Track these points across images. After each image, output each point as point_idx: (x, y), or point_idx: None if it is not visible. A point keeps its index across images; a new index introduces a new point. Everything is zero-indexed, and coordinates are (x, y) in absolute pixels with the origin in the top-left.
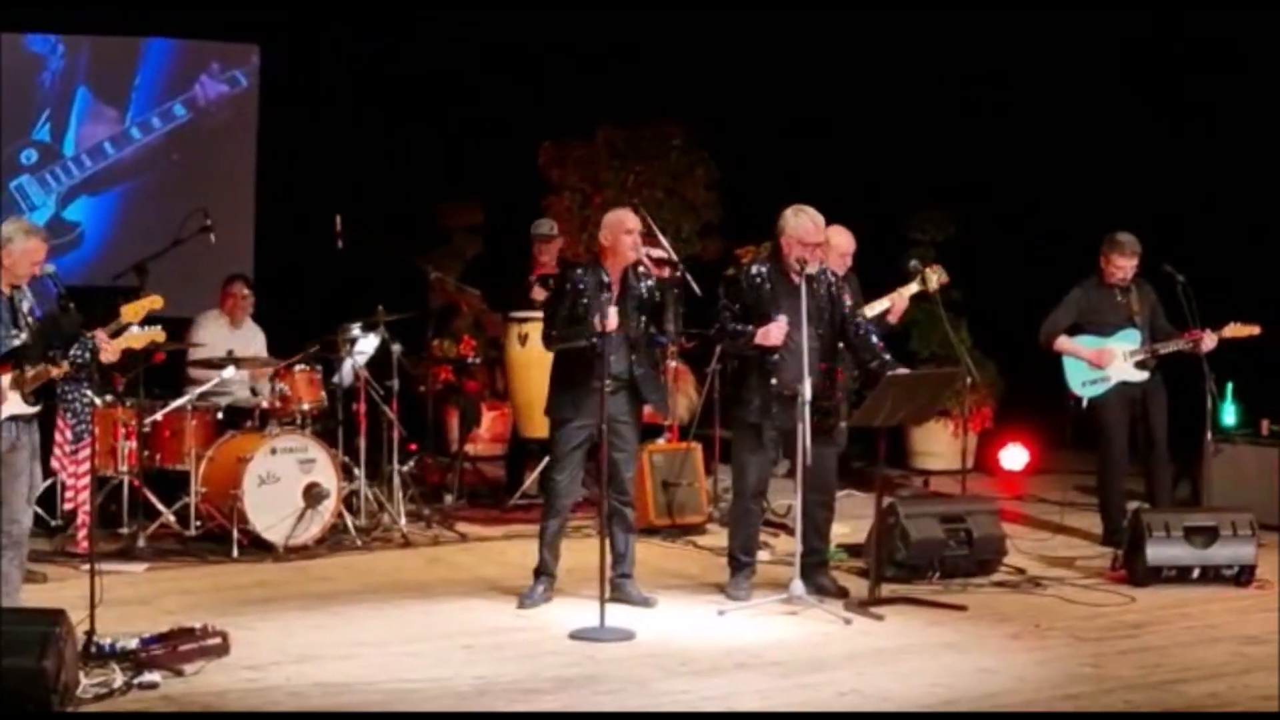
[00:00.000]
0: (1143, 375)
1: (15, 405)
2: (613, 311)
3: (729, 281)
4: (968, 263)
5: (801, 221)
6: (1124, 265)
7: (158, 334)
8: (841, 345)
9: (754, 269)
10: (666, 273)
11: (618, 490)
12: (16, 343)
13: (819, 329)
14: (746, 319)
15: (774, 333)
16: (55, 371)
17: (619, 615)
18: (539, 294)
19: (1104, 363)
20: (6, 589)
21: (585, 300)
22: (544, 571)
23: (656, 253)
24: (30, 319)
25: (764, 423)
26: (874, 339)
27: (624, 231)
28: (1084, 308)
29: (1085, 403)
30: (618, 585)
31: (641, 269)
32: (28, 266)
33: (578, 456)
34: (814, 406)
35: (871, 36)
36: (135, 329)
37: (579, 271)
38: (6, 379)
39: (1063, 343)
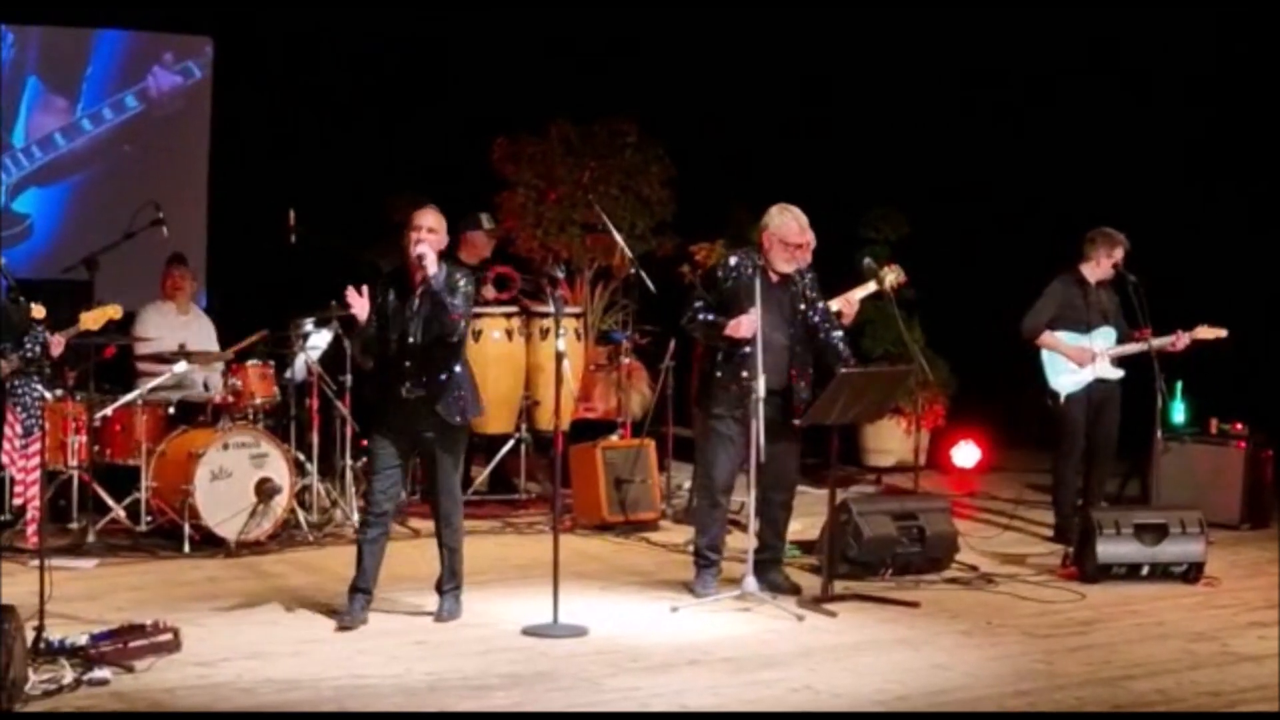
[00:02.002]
0: (1118, 374)
1: None
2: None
3: (707, 273)
4: (920, 262)
5: (785, 220)
6: (1119, 260)
7: (114, 310)
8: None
9: (733, 261)
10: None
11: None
12: None
13: (791, 327)
14: (721, 311)
15: (745, 325)
16: (4, 366)
17: (572, 611)
18: (489, 293)
19: (1085, 360)
20: None
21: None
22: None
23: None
24: None
25: (731, 417)
26: (838, 339)
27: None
28: (1062, 303)
29: (1062, 398)
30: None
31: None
32: None
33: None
34: (779, 402)
35: (825, 35)
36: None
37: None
38: None
39: (1046, 337)
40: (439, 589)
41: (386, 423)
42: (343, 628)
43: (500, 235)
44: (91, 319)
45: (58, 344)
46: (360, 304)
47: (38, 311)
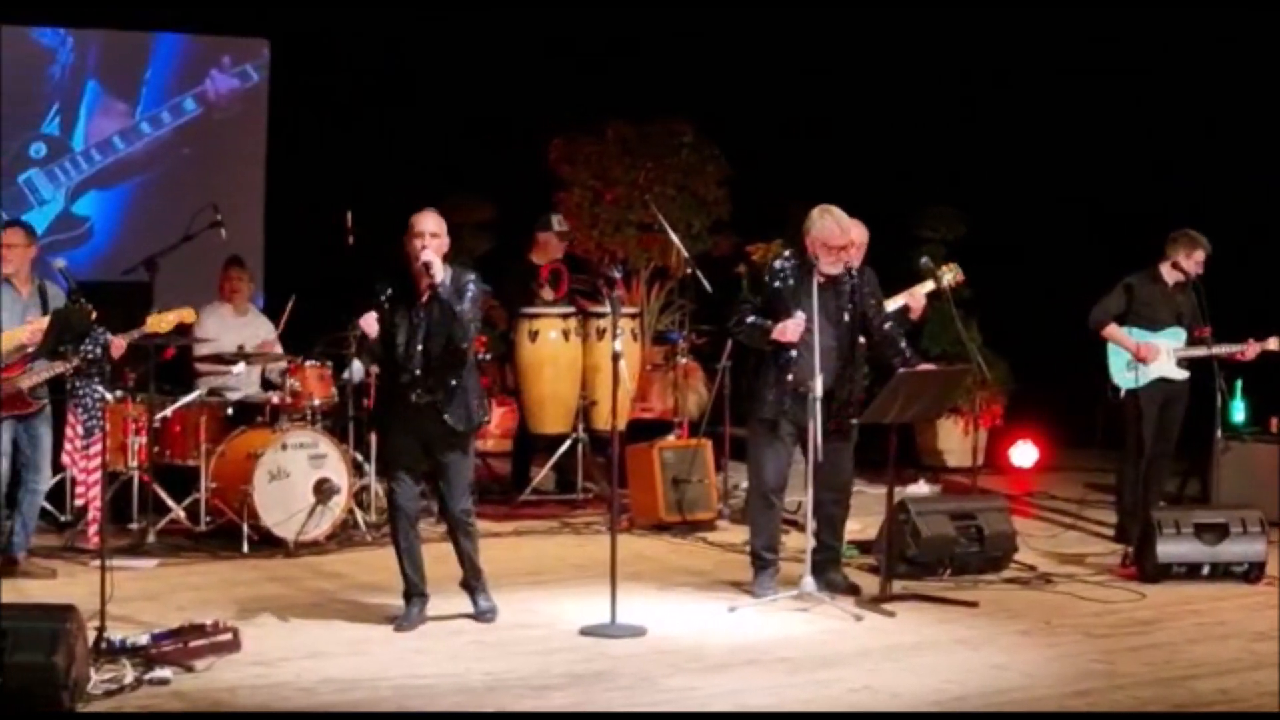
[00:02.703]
0: (1183, 375)
1: None
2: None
3: (753, 276)
4: (978, 261)
5: (826, 224)
6: (1201, 262)
7: (187, 313)
8: (863, 341)
9: (778, 264)
10: None
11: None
12: None
13: (838, 328)
14: (768, 314)
15: (791, 329)
16: (63, 366)
17: (629, 611)
18: (548, 294)
19: (1149, 357)
20: None
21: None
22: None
23: None
24: None
25: (780, 419)
26: (898, 337)
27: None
28: (1136, 300)
29: (1122, 393)
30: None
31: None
32: None
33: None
34: (832, 403)
35: (881, 33)
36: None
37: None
38: None
39: (1112, 330)
40: (469, 589)
41: (397, 428)
42: (400, 630)
43: (571, 238)
44: (161, 322)
45: (119, 345)
46: (371, 323)
47: (119, 342)
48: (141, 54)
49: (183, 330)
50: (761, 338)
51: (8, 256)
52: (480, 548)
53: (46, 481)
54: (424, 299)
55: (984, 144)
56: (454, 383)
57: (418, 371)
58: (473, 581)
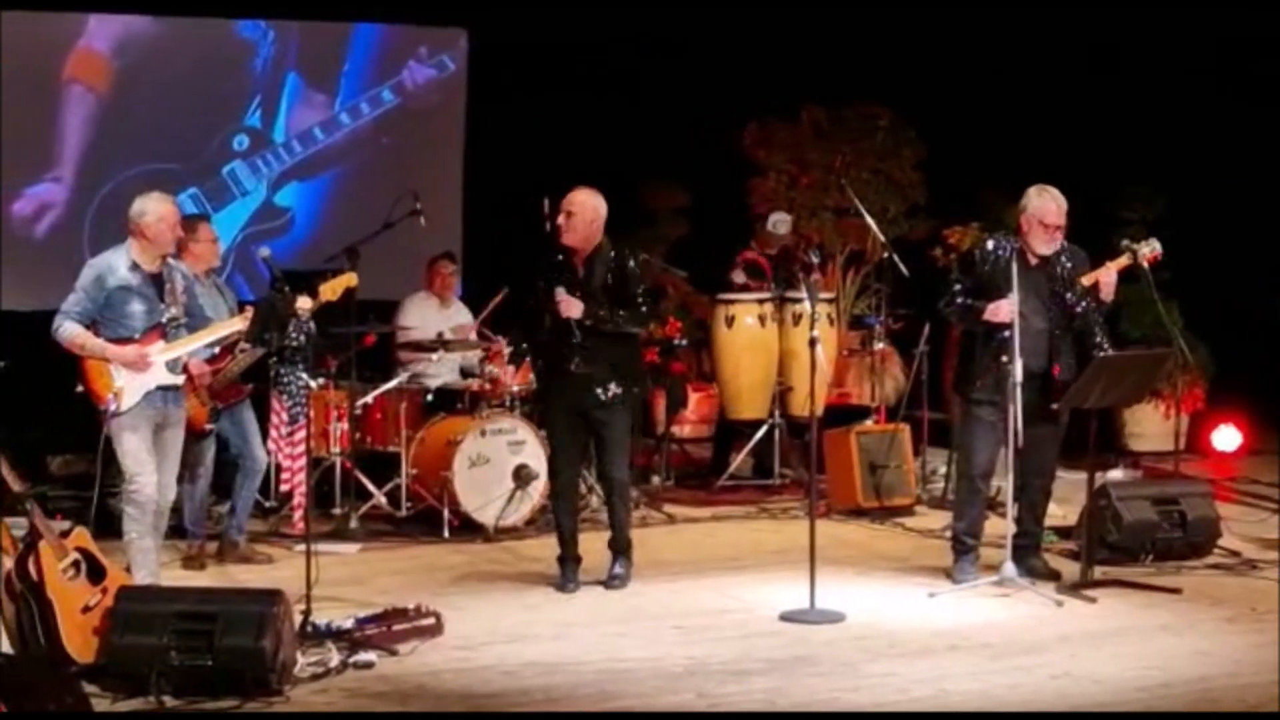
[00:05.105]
0: None
1: (163, 375)
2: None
3: (964, 257)
4: (1178, 242)
5: (1044, 202)
6: None
7: (349, 278)
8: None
9: (990, 245)
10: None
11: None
12: (165, 317)
13: (1049, 310)
14: (979, 296)
15: (1003, 310)
16: (255, 354)
17: (828, 597)
18: (740, 277)
19: None
20: (142, 560)
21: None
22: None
23: None
24: (182, 296)
25: (992, 401)
26: (1095, 323)
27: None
28: None
29: None
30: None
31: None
32: (169, 233)
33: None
34: (1039, 386)
35: (1074, 13)
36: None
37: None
38: (154, 348)
39: None
40: (612, 552)
41: (555, 398)
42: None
43: (788, 240)
44: (329, 289)
45: (305, 304)
46: (570, 304)
47: (303, 303)
48: (340, 46)
49: (383, 317)
50: (973, 319)
51: (210, 252)
52: (631, 519)
53: (261, 466)
54: (580, 274)
55: (1183, 121)
56: (608, 354)
57: (574, 340)
58: (616, 546)
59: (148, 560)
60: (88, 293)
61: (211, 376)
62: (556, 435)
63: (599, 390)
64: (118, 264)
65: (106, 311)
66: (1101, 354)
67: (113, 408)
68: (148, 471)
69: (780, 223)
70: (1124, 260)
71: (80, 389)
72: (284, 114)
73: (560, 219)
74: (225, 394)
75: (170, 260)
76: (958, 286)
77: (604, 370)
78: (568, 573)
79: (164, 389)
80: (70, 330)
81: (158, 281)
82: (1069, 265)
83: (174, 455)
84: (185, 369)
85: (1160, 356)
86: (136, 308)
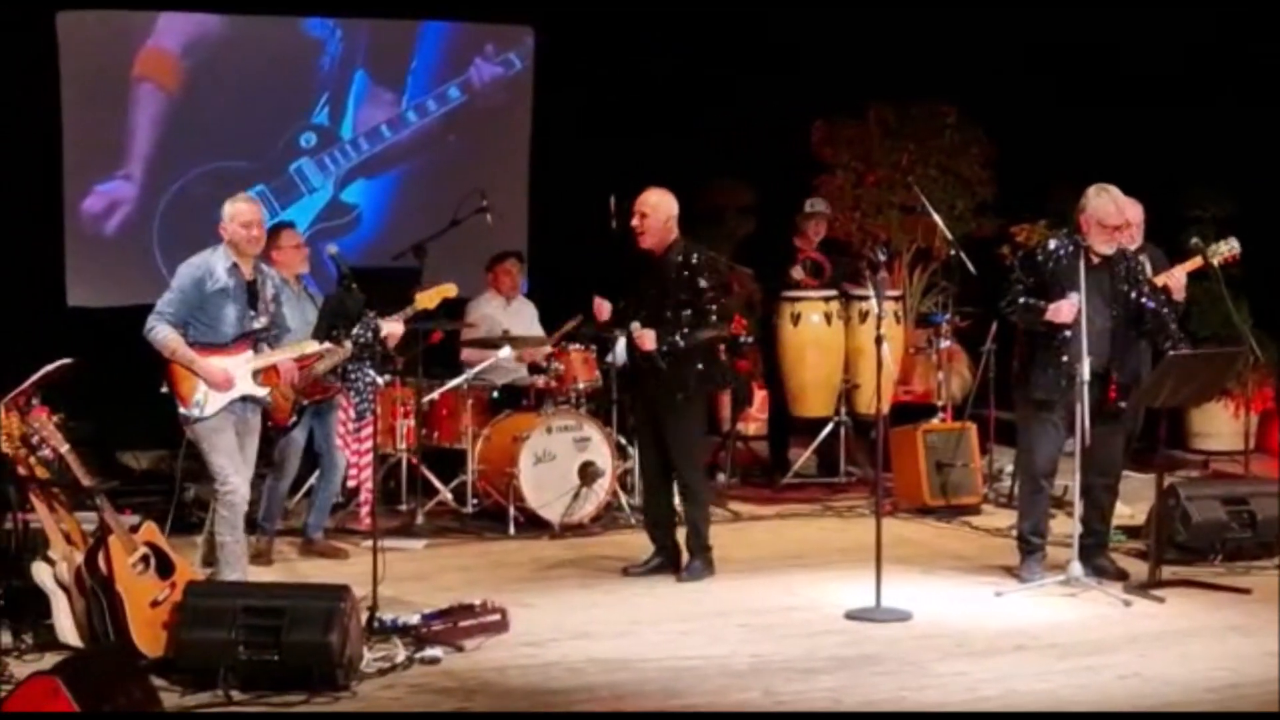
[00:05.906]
0: None
1: (247, 386)
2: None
3: (1026, 256)
4: (1248, 240)
5: (1102, 202)
6: None
7: (449, 289)
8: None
9: (1052, 244)
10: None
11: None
12: (257, 325)
13: (1113, 310)
14: (1041, 295)
15: (1065, 310)
16: (339, 352)
17: (894, 596)
18: (798, 274)
19: None
20: (235, 563)
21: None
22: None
23: None
24: (272, 305)
25: (1053, 401)
26: (1168, 321)
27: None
28: None
29: None
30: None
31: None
32: (243, 232)
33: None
34: (1103, 385)
35: (1144, 10)
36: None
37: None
38: (243, 358)
39: None
40: (687, 549)
41: (631, 392)
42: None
43: (825, 217)
44: (427, 298)
45: (396, 333)
46: (603, 308)
47: (394, 329)
48: (407, 43)
49: (448, 313)
50: (1035, 318)
51: (297, 258)
52: (707, 516)
53: (342, 466)
54: (655, 274)
55: (1254, 119)
56: (672, 352)
57: (660, 366)
58: (690, 542)
59: (241, 563)
60: (185, 295)
61: (297, 373)
62: (639, 440)
63: (679, 395)
64: (216, 267)
65: (200, 315)
66: (1173, 351)
67: (196, 413)
68: (240, 474)
69: (816, 203)
70: (1195, 261)
71: (165, 389)
72: (351, 111)
73: (634, 221)
74: (311, 390)
75: (264, 266)
76: (1019, 286)
77: (688, 372)
78: (645, 558)
79: (245, 399)
80: (163, 334)
81: (252, 288)
82: (1132, 264)
83: (250, 460)
84: (272, 366)
85: (1231, 355)
86: (230, 314)
